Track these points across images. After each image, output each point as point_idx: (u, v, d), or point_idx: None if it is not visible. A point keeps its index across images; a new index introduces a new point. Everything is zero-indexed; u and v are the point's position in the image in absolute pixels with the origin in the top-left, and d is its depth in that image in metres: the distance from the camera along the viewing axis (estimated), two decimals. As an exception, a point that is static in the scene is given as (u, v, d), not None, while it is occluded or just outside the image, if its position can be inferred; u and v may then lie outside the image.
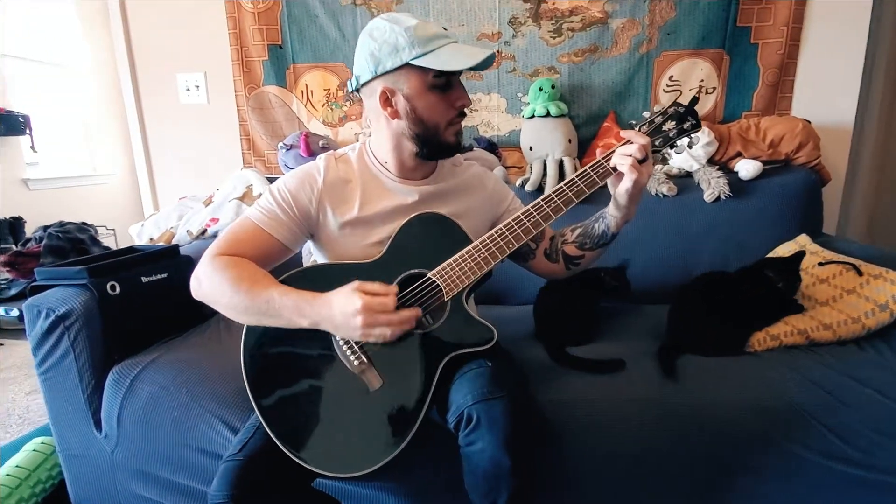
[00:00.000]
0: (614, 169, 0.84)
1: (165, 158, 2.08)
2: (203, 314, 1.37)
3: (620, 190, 0.84)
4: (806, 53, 1.68)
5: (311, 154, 1.72)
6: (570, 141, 1.68)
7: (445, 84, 0.83)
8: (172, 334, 1.22)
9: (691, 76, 1.73)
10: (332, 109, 1.95)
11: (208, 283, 0.83)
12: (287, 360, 0.84)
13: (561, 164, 1.65)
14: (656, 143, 0.87)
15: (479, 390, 0.75)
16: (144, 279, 1.18)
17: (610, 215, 0.90)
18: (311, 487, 0.88)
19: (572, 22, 1.74)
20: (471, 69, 0.84)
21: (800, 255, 1.16)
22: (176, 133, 2.03)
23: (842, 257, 1.23)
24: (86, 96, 3.15)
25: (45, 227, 1.71)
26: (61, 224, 1.69)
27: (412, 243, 0.87)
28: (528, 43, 1.77)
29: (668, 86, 1.75)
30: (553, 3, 1.73)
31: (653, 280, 1.46)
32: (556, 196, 0.86)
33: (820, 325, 1.09)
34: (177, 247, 1.35)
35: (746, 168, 1.52)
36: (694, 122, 0.88)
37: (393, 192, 0.91)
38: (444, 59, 0.80)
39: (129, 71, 1.97)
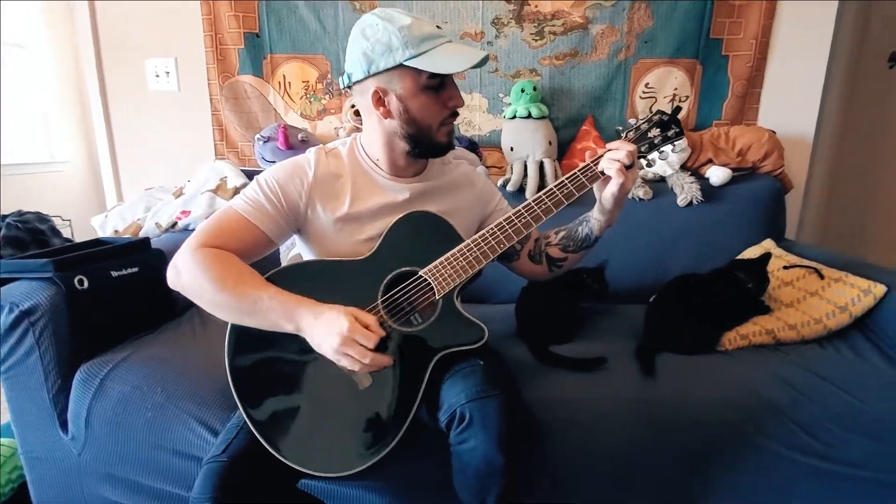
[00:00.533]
0: (602, 173, 0.86)
1: (131, 147, 1.98)
2: (176, 309, 1.32)
3: (606, 194, 0.85)
4: (772, 67, 1.77)
5: (290, 147, 1.68)
6: (550, 143, 1.71)
7: (439, 84, 0.83)
8: (144, 331, 1.17)
9: (666, 84, 1.79)
10: (310, 102, 1.91)
11: (189, 276, 0.80)
12: (275, 358, 0.82)
13: (541, 166, 1.67)
14: (642, 149, 0.90)
15: (472, 388, 0.75)
16: (114, 273, 1.12)
17: (594, 219, 0.92)
18: (295, 488, 0.87)
19: (554, 25, 1.76)
20: (466, 70, 0.85)
21: (767, 257, 1.22)
22: (143, 121, 1.94)
23: (805, 261, 1.31)
24: (44, 78, 2.95)
25: (3, 217, 1.60)
26: (20, 213, 1.58)
27: (403, 241, 0.87)
28: (511, 44, 1.79)
29: (644, 92, 1.80)
30: (536, 6, 1.75)
31: (629, 281, 1.50)
32: (547, 197, 0.87)
33: (785, 326, 1.16)
34: (148, 239, 1.30)
35: (717, 175, 1.59)
36: (677, 129, 0.91)
37: (384, 189, 0.90)
38: (438, 61, 0.79)
39: (93, 53, 1.87)
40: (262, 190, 0.86)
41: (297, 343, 0.80)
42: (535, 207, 0.86)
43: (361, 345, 0.73)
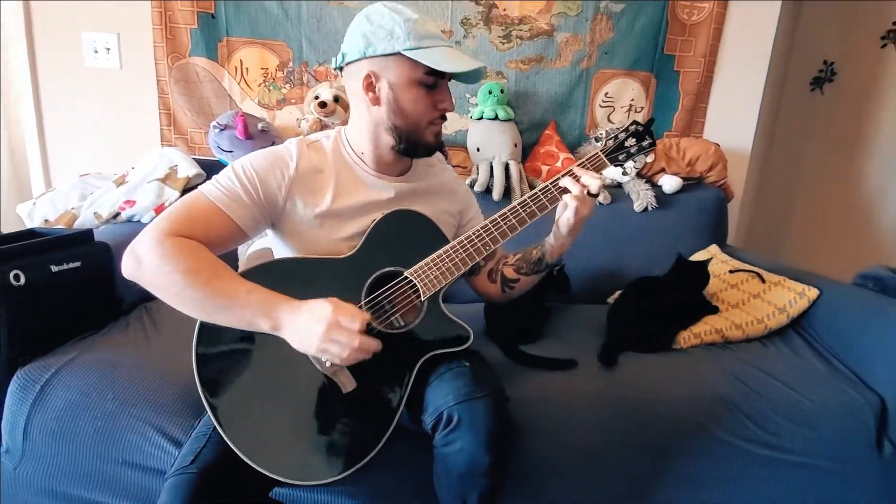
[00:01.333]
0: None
1: (62, 128, 1.79)
2: (122, 308, 1.21)
3: (562, 220, 0.86)
4: (717, 85, 1.90)
5: (249, 137, 1.59)
6: (515, 145, 1.74)
7: (433, 84, 0.82)
8: (88, 331, 1.07)
9: (624, 94, 1.88)
10: (269, 90, 1.83)
11: (153, 267, 0.72)
12: (250, 360, 0.77)
13: (507, 168, 1.70)
14: (620, 157, 0.93)
15: (460, 390, 0.75)
16: (54, 268, 1.02)
17: (547, 244, 0.93)
18: (268, 497, 0.83)
19: (521, 30, 1.79)
20: (461, 80, 0.84)
21: (708, 261, 1.32)
22: (77, 100, 1.76)
23: (748, 266, 1.42)
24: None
25: None
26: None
27: (387, 240, 0.85)
28: (479, 45, 1.80)
29: (603, 102, 1.88)
30: (504, 9, 1.78)
31: (590, 281, 1.57)
32: (531, 200, 0.88)
33: (732, 325, 1.25)
34: (91, 231, 1.18)
35: (669, 183, 1.69)
36: (651, 140, 0.95)
37: (368, 186, 0.88)
38: (437, 58, 0.78)
39: (22, 21, 1.67)
40: (239, 179, 0.80)
41: (274, 344, 0.76)
42: (521, 210, 0.87)
43: (347, 329, 0.70)
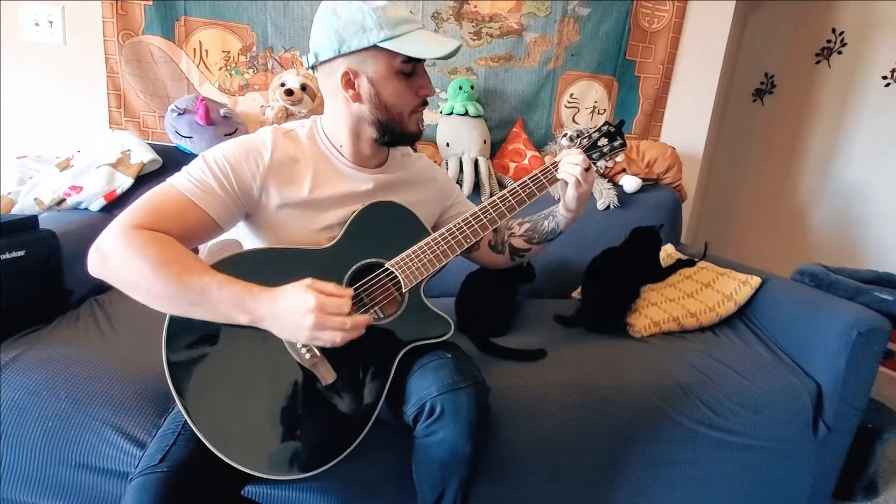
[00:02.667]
0: (561, 178, 0.91)
1: (-5, 106, 1.64)
2: (70, 301, 1.13)
3: (569, 197, 0.92)
4: (674, 91, 2.00)
5: (210, 122, 1.52)
6: (485, 142, 1.76)
7: (411, 71, 0.81)
8: (34, 325, 0.99)
9: (588, 96, 1.94)
10: (231, 75, 1.75)
11: (120, 262, 0.69)
12: (224, 353, 0.74)
13: (476, 164, 1.71)
14: (593, 156, 0.97)
15: (443, 381, 0.76)
16: (-5, 257, 0.93)
17: (560, 215, 0.98)
18: (239, 496, 0.80)
19: (491, 28, 1.81)
20: (439, 59, 0.84)
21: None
22: (14, 76, 1.62)
23: (698, 263, 1.51)
24: None
25: None
26: None
27: (367, 231, 0.84)
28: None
29: (568, 102, 1.93)
30: (475, 6, 1.79)
31: (556, 277, 1.62)
32: (510, 195, 0.90)
33: (688, 314, 1.33)
34: (35, 218, 1.09)
35: (630, 183, 1.76)
36: (622, 140, 1.00)
37: (347, 177, 0.86)
38: (414, 46, 0.77)
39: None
40: (211, 169, 0.77)
41: (250, 334, 0.74)
42: (500, 204, 0.89)
43: (335, 314, 0.69)
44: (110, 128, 1.69)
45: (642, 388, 1.08)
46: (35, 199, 1.37)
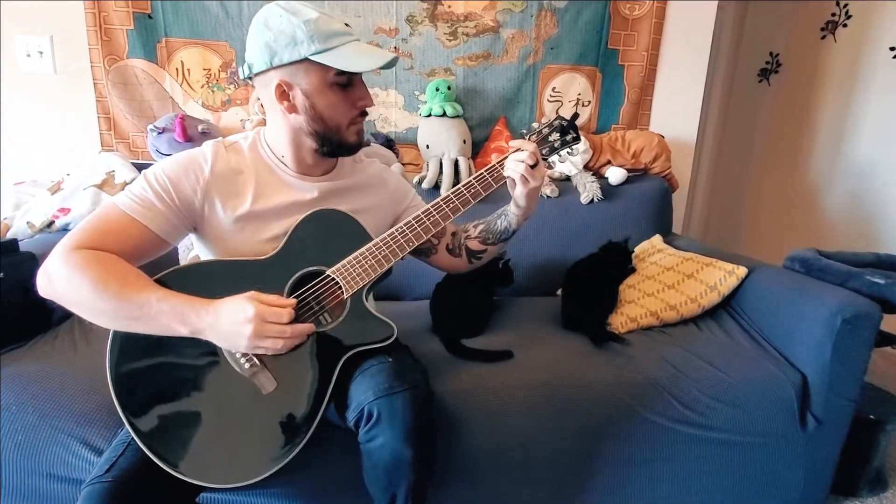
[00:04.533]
0: (507, 176, 0.89)
1: (-5, 135, 1.73)
2: (51, 321, 1.18)
3: (517, 194, 0.90)
4: (661, 77, 1.95)
5: (189, 139, 1.57)
6: (464, 141, 1.75)
7: (347, 82, 0.81)
8: (12, 344, 1.03)
9: (570, 89, 1.91)
10: (213, 91, 1.79)
11: (63, 282, 0.72)
12: (165, 365, 0.76)
13: (456, 164, 1.71)
14: (543, 151, 0.95)
15: (379, 386, 0.76)
16: (-27, 279, 0.98)
17: (511, 213, 0.96)
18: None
19: (467, 27, 1.80)
20: (370, 71, 0.84)
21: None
22: (11, 106, 1.70)
23: (682, 254, 1.46)
24: None
25: None
26: None
27: (309, 240, 0.84)
28: (426, 42, 1.80)
29: (551, 96, 1.90)
30: (449, 6, 1.78)
31: (539, 274, 1.59)
32: (455, 196, 0.89)
33: (667, 307, 1.29)
34: (15, 241, 1.14)
35: (615, 175, 1.72)
36: (575, 134, 0.97)
37: (290, 186, 0.87)
38: (345, 59, 0.77)
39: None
40: (151, 186, 0.79)
41: (191, 347, 0.76)
42: (444, 206, 0.88)
43: (275, 323, 0.71)
44: (102, 150, 1.76)
45: (610, 385, 1.05)
46: (27, 222, 1.44)
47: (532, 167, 0.87)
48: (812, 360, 1.10)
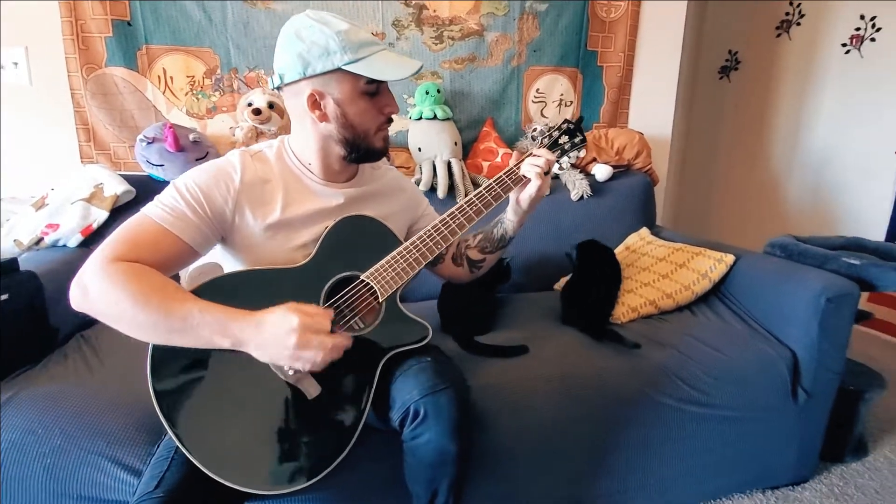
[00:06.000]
0: (524, 176, 0.94)
1: (-35, 150, 1.64)
2: (57, 340, 1.15)
3: (524, 196, 0.94)
4: (637, 78, 2.04)
5: (180, 149, 1.54)
6: (455, 143, 1.78)
7: (375, 91, 0.83)
8: (23, 366, 1.00)
9: (553, 90, 1.97)
10: (197, 99, 1.76)
11: (101, 295, 0.71)
12: (210, 376, 0.76)
13: (449, 166, 1.74)
14: (556, 154, 1.00)
15: (424, 384, 0.78)
16: (-22, 302, 0.95)
17: (507, 220, 1.00)
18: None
19: (452, 31, 1.84)
20: (401, 80, 0.86)
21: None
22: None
23: (671, 244, 1.55)
24: None
25: None
26: None
27: (341, 245, 0.86)
28: (412, 46, 1.82)
29: (535, 97, 1.96)
30: (434, 11, 1.81)
31: (536, 270, 1.65)
32: (477, 199, 0.92)
33: (664, 295, 1.37)
34: (16, 260, 1.10)
35: (601, 171, 1.80)
36: (582, 137, 1.02)
37: (317, 194, 0.89)
38: (377, 68, 0.79)
39: None
40: (183, 196, 0.79)
41: (232, 357, 0.76)
42: (468, 208, 0.91)
43: (318, 333, 0.72)
44: (82, 162, 1.70)
45: (621, 372, 1.11)
46: (14, 240, 1.38)
47: (545, 173, 0.92)
48: (800, 338, 1.19)
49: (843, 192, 2.43)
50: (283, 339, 0.71)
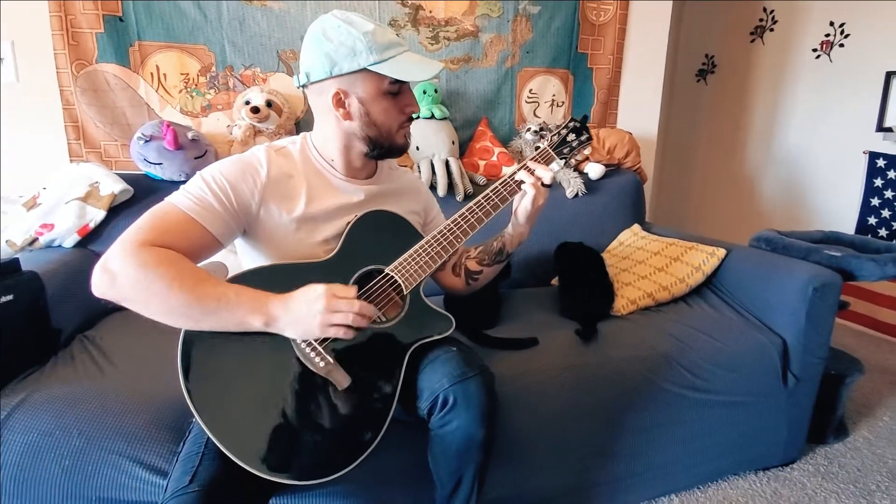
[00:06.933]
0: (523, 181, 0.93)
1: (-54, 148, 1.58)
2: (59, 341, 1.12)
3: (521, 208, 0.93)
4: (625, 79, 2.11)
5: (179, 147, 1.52)
6: (453, 142, 1.81)
7: (398, 90, 0.85)
8: (30, 368, 0.98)
9: (546, 91, 2.02)
10: (192, 97, 1.74)
11: (131, 280, 0.70)
12: (240, 368, 0.76)
13: (447, 165, 1.76)
14: (564, 151, 1.03)
15: (453, 372, 0.80)
16: (-16, 303, 0.92)
17: (507, 234, 1.01)
18: (268, 505, 0.83)
19: (448, 32, 1.87)
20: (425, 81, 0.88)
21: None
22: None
23: (664, 239, 1.61)
24: None
25: None
26: None
27: (364, 240, 0.87)
28: (409, 46, 1.82)
29: (528, 98, 2.01)
30: (430, 11, 1.84)
31: (535, 266, 1.69)
32: (493, 194, 0.95)
33: (660, 288, 1.42)
34: (17, 260, 1.07)
35: (594, 170, 1.85)
36: (587, 134, 1.06)
37: (340, 190, 0.90)
38: (402, 69, 0.81)
39: None
40: (210, 187, 0.79)
41: (263, 348, 0.77)
42: (485, 203, 0.94)
43: (345, 296, 0.75)
44: (71, 161, 1.65)
45: (628, 361, 1.16)
46: (7, 241, 1.34)
47: (545, 186, 0.93)
48: (789, 326, 1.26)
49: (814, 188, 2.56)
50: (312, 306, 0.74)
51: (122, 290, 0.71)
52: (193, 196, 0.78)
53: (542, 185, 0.94)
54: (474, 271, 1.06)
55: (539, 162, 0.97)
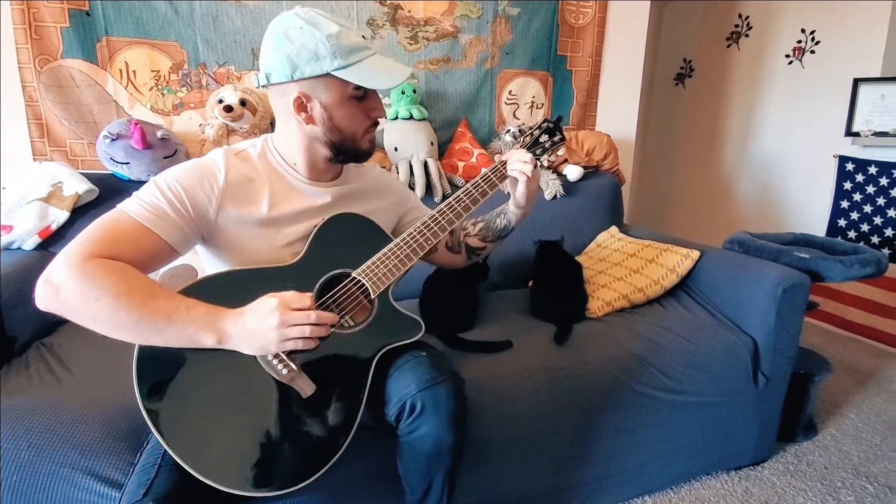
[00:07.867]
0: (510, 174, 0.96)
1: None
2: (13, 349, 1.08)
3: (518, 193, 0.97)
4: (604, 82, 2.12)
5: (148, 146, 1.47)
6: (432, 143, 1.80)
7: (363, 95, 0.83)
8: (-20, 377, 0.93)
9: (526, 92, 2.02)
10: (162, 95, 1.69)
11: (76, 294, 0.67)
12: (200, 380, 0.74)
13: (426, 165, 1.75)
14: (536, 152, 1.03)
15: (421, 378, 0.79)
16: (-71, 309, 0.87)
17: (511, 212, 1.04)
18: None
19: (427, 32, 1.85)
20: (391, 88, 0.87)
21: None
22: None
23: (640, 241, 1.62)
24: None
25: None
26: None
27: (331, 243, 0.85)
28: (387, 46, 1.82)
29: (508, 99, 2.01)
30: (409, 11, 1.82)
31: (511, 268, 1.68)
32: (465, 196, 0.94)
33: (635, 289, 1.43)
34: (-31, 263, 1.03)
35: (573, 172, 1.86)
36: (561, 135, 1.06)
37: (303, 193, 0.87)
38: (367, 76, 0.78)
39: None
40: (164, 194, 0.76)
41: (221, 359, 0.74)
42: (456, 205, 0.93)
43: (299, 307, 0.73)
44: (35, 160, 1.59)
45: (601, 362, 1.16)
46: (-40, 242, 1.28)
47: (533, 168, 0.95)
48: (760, 326, 1.28)
49: (787, 190, 2.62)
50: (266, 321, 0.72)
51: (67, 303, 0.67)
52: (146, 203, 0.75)
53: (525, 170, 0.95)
54: (477, 248, 1.09)
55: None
